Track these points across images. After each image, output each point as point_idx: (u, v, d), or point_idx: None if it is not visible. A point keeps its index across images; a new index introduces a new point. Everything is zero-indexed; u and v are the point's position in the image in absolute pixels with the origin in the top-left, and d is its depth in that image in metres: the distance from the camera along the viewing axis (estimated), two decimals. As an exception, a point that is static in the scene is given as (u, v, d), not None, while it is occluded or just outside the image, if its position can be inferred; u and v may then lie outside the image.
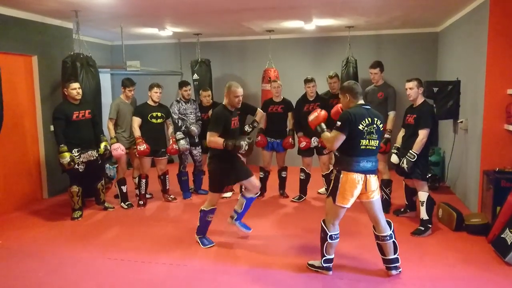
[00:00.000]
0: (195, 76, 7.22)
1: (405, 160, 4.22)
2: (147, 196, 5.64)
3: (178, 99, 5.68)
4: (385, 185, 4.96)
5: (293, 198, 5.60)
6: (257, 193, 4.14)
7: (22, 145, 5.43)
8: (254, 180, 4.03)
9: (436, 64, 7.08)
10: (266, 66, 7.17)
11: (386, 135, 4.89)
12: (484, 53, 4.58)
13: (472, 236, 4.18)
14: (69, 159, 4.57)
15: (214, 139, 3.72)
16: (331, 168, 5.54)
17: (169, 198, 5.61)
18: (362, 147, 3.15)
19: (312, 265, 3.47)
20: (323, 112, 3.41)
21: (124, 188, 5.39)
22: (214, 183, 3.88)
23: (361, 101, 3.28)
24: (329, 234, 3.26)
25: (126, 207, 5.34)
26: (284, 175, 5.73)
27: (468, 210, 4.89)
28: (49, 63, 5.70)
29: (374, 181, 3.24)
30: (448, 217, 4.46)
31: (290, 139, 5.40)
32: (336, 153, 3.30)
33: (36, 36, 5.53)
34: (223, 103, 3.89)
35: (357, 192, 3.18)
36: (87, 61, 5.46)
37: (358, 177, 3.15)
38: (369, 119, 3.17)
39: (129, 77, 5.54)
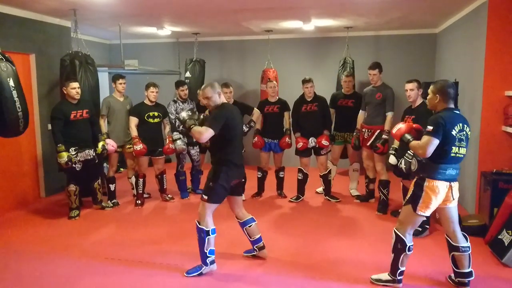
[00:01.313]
0: (187, 74, 7.19)
1: (403, 160, 4.21)
2: (145, 195, 5.63)
3: (175, 99, 5.67)
4: (383, 186, 4.97)
5: (291, 198, 5.59)
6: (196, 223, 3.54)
7: (19, 144, 5.40)
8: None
9: (434, 66, 7.09)
10: (265, 66, 7.17)
11: (384, 136, 4.90)
12: (483, 55, 4.59)
13: (469, 237, 4.16)
14: (66, 159, 4.57)
15: None
16: (329, 168, 5.56)
17: (167, 198, 5.60)
18: (452, 154, 2.97)
19: (379, 280, 3.25)
20: (405, 125, 3.24)
21: (112, 187, 5.40)
22: None
23: (452, 105, 3.08)
24: (408, 245, 3.10)
25: (112, 205, 5.34)
26: (281, 175, 5.73)
27: (465, 212, 4.90)
28: (47, 62, 5.68)
29: (457, 188, 3.09)
30: (445, 218, 4.47)
31: (287, 138, 5.40)
32: (420, 158, 3.09)
33: (34, 34, 5.50)
34: None
35: (440, 200, 3.03)
36: (86, 59, 5.44)
37: (443, 185, 3.00)
38: (460, 125, 2.99)
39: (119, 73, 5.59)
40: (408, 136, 3.14)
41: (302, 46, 7.66)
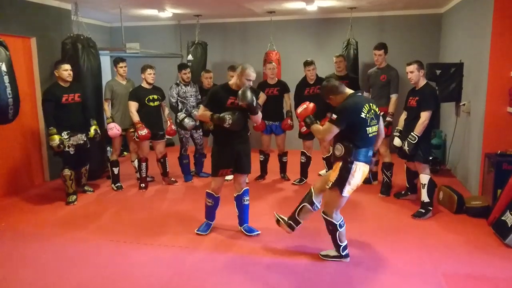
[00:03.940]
0: (190, 57, 7.14)
1: (406, 142, 4.21)
2: (149, 179, 5.65)
3: (177, 82, 5.63)
4: (386, 168, 4.96)
5: (294, 181, 5.61)
6: (242, 190, 3.85)
7: (22, 128, 5.41)
8: (242, 178, 3.88)
9: (439, 46, 7.00)
10: (267, 48, 7.10)
11: (388, 118, 4.87)
12: (488, 35, 4.52)
13: (472, 219, 4.20)
14: (58, 142, 4.53)
15: (203, 113, 3.76)
16: (332, 150, 5.54)
17: (171, 181, 5.61)
18: (370, 135, 3.12)
19: (327, 255, 3.38)
20: (312, 105, 3.37)
21: (116, 170, 5.40)
22: (211, 166, 3.86)
23: (349, 91, 3.20)
24: (337, 223, 3.23)
25: (116, 188, 5.37)
26: (284, 160, 5.74)
27: (468, 193, 4.90)
28: (48, 45, 5.63)
29: (367, 169, 3.26)
30: (448, 199, 4.48)
31: (289, 120, 5.38)
32: (347, 144, 3.13)
33: (35, 17, 5.45)
34: (229, 82, 3.80)
35: (361, 180, 3.18)
36: (88, 42, 5.41)
37: (366, 167, 3.17)
38: (367, 105, 3.10)
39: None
40: (309, 119, 3.30)
41: (305, 27, 7.56)
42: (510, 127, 4.53)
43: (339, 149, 3.15)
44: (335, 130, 3.06)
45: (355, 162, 3.09)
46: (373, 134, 3.17)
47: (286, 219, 3.51)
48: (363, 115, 3.05)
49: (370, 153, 3.19)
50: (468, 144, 5.25)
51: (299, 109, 3.39)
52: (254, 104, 3.61)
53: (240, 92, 3.57)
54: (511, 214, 3.67)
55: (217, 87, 3.91)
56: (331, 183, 3.20)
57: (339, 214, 3.28)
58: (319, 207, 3.41)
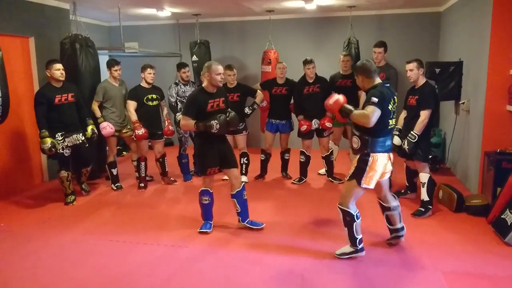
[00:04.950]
0: (194, 58, 7.14)
1: (406, 141, 4.21)
2: (148, 178, 5.64)
3: (176, 81, 5.62)
4: (385, 166, 4.96)
5: (293, 180, 5.60)
6: (241, 185, 3.90)
7: (21, 129, 5.40)
8: (236, 172, 3.93)
9: (439, 45, 7.00)
10: (266, 47, 7.09)
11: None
12: (488, 33, 4.52)
13: (472, 217, 4.19)
14: (50, 145, 4.42)
15: (186, 122, 3.73)
16: (331, 149, 5.54)
17: (170, 181, 5.61)
18: (389, 127, 3.18)
19: (343, 253, 3.33)
20: (342, 96, 3.31)
21: (114, 171, 5.38)
22: (199, 165, 3.87)
23: (378, 80, 3.23)
24: (354, 214, 3.22)
25: (116, 188, 5.36)
26: (287, 157, 5.73)
27: (468, 192, 4.90)
28: (47, 45, 5.61)
29: (392, 158, 3.30)
30: (448, 198, 4.47)
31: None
32: (362, 137, 3.17)
33: (33, 17, 5.43)
34: (203, 85, 3.79)
35: (382, 171, 3.19)
36: (86, 42, 5.39)
37: (385, 157, 3.18)
38: (393, 99, 3.19)
39: (114, 58, 5.49)
40: (348, 107, 3.20)
41: (304, 26, 7.55)
42: (510, 125, 4.52)
43: (356, 142, 3.20)
44: (379, 112, 3.03)
45: (371, 154, 3.13)
46: (392, 126, 3.24)
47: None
48: (390, 106, 3.12)
49: (389, 142, 3.22)
50: (467, 143, 5.25)
51: (331, 101, 3.30)
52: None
53: (233, 117, 3.74)
54: (511, 212, 3.67)
55: (194, 93, 3.89)
56: (349, 175, 3.24)
57: (355, 206, 3.26)
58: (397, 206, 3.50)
